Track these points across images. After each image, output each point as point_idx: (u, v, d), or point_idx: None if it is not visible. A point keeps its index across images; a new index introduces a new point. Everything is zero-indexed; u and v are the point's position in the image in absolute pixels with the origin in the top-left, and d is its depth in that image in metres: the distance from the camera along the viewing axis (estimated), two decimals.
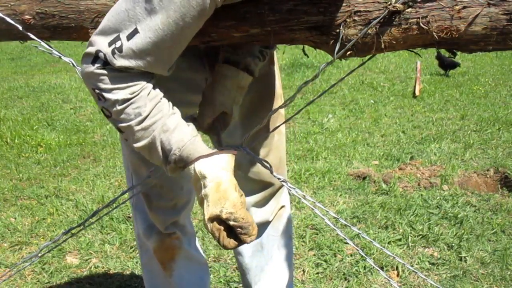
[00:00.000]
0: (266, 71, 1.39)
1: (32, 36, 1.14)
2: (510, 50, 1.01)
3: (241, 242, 1.00)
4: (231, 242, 0.99)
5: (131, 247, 2.44)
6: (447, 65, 6.03)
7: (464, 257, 2.30)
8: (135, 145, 1.03)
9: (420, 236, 2.47)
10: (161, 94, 1.03)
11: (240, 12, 1.04)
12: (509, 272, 2.18)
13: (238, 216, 0.98)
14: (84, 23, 1.11)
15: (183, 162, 1.02)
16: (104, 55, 0.95)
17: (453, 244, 2.39)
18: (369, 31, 0.98)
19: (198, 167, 1.00)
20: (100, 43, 0.96)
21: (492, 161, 3.34)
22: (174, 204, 1.49)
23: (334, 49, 1.02)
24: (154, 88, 1.02)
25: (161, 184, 1.42)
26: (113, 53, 0.95)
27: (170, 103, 1.05)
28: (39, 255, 1.35)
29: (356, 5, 0.99)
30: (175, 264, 1.56)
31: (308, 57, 1.40)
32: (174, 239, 1.53)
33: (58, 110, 5.03)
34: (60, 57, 1.19)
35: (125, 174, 1.54)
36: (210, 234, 2.64)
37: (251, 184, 1.53)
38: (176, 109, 1.06)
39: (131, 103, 0.98)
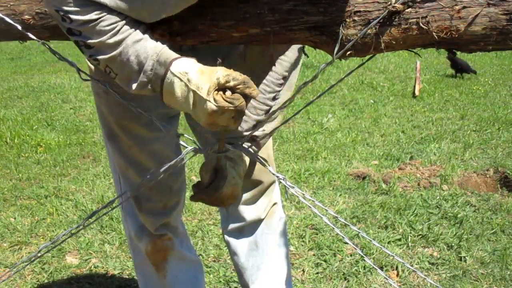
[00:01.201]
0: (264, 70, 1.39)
1: (31, 36, 1.14)
2: (510, 50, 1.01)
3: (248, 99, 0.99)
4: (234, 98, 0.97)
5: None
6: (461, 68, 5.88)
7: (464, 257, 2.30)
8: (106, 56, 1.00)
9: (420, 236, 2.47)
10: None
11: (239, 12, 1.04)
12: (508, 272, 2.18)
13: (235, 74, 0.98)
14: None
15: (162, 66, 0.99)
16: None
17: (453, 244, 2.39)
18: (369, 31, 0.98)
19: (175, 68, 0.98)
20: None
21: (492, 161, 3.34)
22: (163, 206, 1.48)
23: (334, 49, 1.02)
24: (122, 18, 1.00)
25: (150, 186, 1.41)
26: None
27: None
28: (39, 255, 1.35)
29: (356, 5, 0.99)
30: (168, 265, 1.55)
31: (308, 57, 1.39)
32: (166, 240, 1.53)
33: (58, 110, 5.03)
34: (59, 58, 1.19)
35: (113, 177, 1.54)
36: (210, 234, 2.64)
37: None
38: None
39: (101, 20, 0.96)
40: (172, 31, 1.06)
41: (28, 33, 1.14)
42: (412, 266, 2.23)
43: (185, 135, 1.27)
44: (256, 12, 1.03)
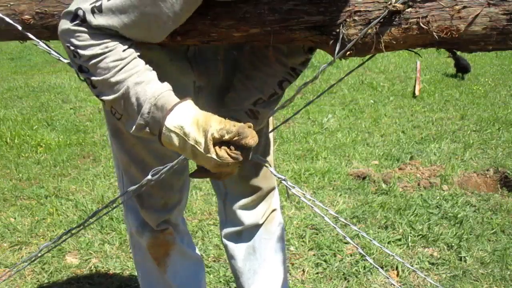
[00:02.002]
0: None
1: (31, 36, 1.14)
2: (510, 50, 1.01)
3: (246, 149, 1.00)
4: (237, 153, 0.99)
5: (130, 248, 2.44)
6: (462, 67, 5.82)
7: (464, 257, 2.30)
8: (110, 97, 1.02)
9: (420, 236, 2.47)
10: (137, 53, 1.03)
11: (240, 12, 1.04)
12: (508, 272, 2.18)
13: (228, 127, 0.98)
14: None
15: (159, 111, 1.00)
16: (83, 12, 0.96)
17: (453, 244, 2.39)
18: (369, 31, 0.98)
19: (170, 123, 0.99)
20: (81, 2, 0.98)
21: (492, 161, 3.34)
22: (164, 203, 1.49)
23: (334, 49, 1.02)
24: (130, 48, 1.02)
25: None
26: (92, 11, 0.96)
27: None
28: (39, 255, 1.35)
29: (356, 5, 0.99)
30: (169, 259, 1.56)
31: None
32: (168, 234, 1.53)
33: (58, 110, 5.03)
34: (59, 58, 1.19)
35: (116, 173, 1.55)
36: (210, 234, 2.64)
37: (239, 187, 1.54)
38: (152, 70, 1.05)
39: (106, 57, 0.98)
40: (172, 31, 1.06)
41: (28, 33, 1.14)
42: (412, 266, 2.23)
43: None
44: (256, 12, 1.03)
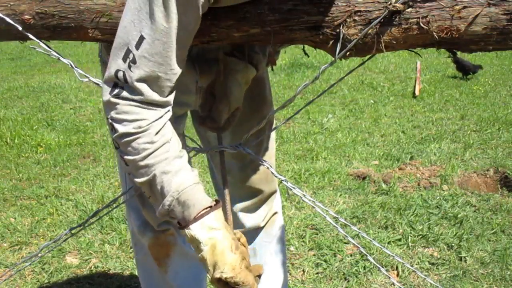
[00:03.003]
0: (257, 76, 1.40)
1: (31, 36, 1.14)
2: (510, 50, 1.01)
3: None
4: None
5: (131, 247, 2.44)
6: (468, 70, 5.77)
7: (464, 257, 2.30)
8: (137, 180, 1.03)
9: (420, 236, 2.47)
10: (171, 135, 1.03)
11: (240, 12, 1.04)
12: (509, 272, 2.18)
13: (238, 279, 1.00)
14: (84, 23, 1.11)
15: (180, 206, 1.01)
16: (123, 72, 0.96)
17: (453, 244, 2.39)
18: (369, 31, 0.98)
19: (191, 232, 1.00)
20: (114, 62, 0.97)
21: (492, 161, 3.34)
22: None
23: (334, 49, 1.02)
24: (165, 126, 1.02)
25: None
26: (129, 66, 0.96)
27: (180, 144, 1.05)
28: (39, 255, 1.35)
29: (356, 5, 0.99)
30: (170, 260, 1.56)
31: (308, 57, 1.40)
32: (169, 235, 1.53)
33: (58, 110, 5.03)
34: (58, 58, 1.19)
35: (118, 172, 1.55)
36: None
37: (240, 190, 1.54)
38: (184, 152, 1.05)
39: (138, 137, 0.99)
40: None
41: (28, 33, 1.14)
42: (412, 266, 2.23)
43: (186, 135, 1.27)
44: (256, 12, 1.03)
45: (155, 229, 1.51)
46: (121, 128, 0.99)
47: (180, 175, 1.02)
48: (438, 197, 2.85)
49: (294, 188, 1.18)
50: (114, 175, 3.33)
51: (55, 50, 1.20)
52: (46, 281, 2.23)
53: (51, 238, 2.53)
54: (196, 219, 1.00)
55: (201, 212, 1.01)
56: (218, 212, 1.03)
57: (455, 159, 3.42)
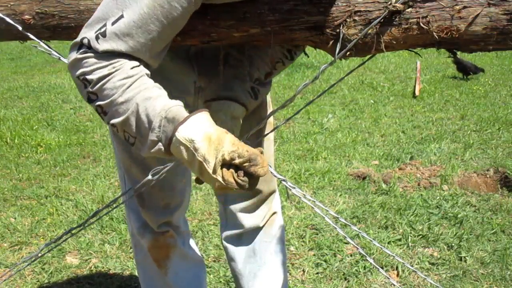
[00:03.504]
0: None
1: (31, 36, 1.14)
2: (510, 50, 1.01)
3: (255, 177, 0.96)
4: (245, 180, 0.95)
5: (131, 247, 2.44)
6: (469, 70, 5.75)
7: (464, 257, 2.30)
8: (120, 119, 0.99)
9: (420, 236, 2.47)
10: (145, 71, 1.01)
11: (240, 12, 1.04)
12: (509, 272, 2.18)
13: (241, 151, 0.94)
14: (84, 23, 1.11)
15: (170, 123, 0.96)
16: (88, 40, 0.96)
17: (453, 244, 2.39)
18: (369, 31, 0.98)
19: (181, 135, 0.95)
20: (86, 32, 0.98)
21: (492, 161, 3.34)
22: (166, 204, 1.49)
23: (334, 49, 1.02)
24: (138, 66, 1.00)
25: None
26: (96, 38, 0.96)
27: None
28: (39, 255, 1.35)
29: (356, 5, 0.99)
30: (170, 262, 1.56)
31: (308, 57, 1.40)
32: (168, 237, 1.53)
33: (58, 110, 5.03)
34: (59, 58, 1.19)
35: (118, 173, 1.55)
36: (210, 234, 2.64)
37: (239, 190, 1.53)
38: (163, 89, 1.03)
39: (113, 77, 0.97)
40: None
41: (28, 33, 1.14)
42: (412, 266, 2.23)
43: None
44: (256, 12, 1.03)
45: (155, 230, 1.51)
46: (95, 76, 0.96)
47: (163, 98, 0.99)
48: (438, 197, 2.85)
49: (294, 188, 1.17)
50: (114, 175, 3.33)
51: (56, 50, 1.20)
52: (46, 281, 2.23)
53: (51, 238, 2.53)
54: (186, 119, 0.96)
55: (191, 114, 0.97)
56: (206, 114, 0.99)
57: (455, 159, 3.42)
